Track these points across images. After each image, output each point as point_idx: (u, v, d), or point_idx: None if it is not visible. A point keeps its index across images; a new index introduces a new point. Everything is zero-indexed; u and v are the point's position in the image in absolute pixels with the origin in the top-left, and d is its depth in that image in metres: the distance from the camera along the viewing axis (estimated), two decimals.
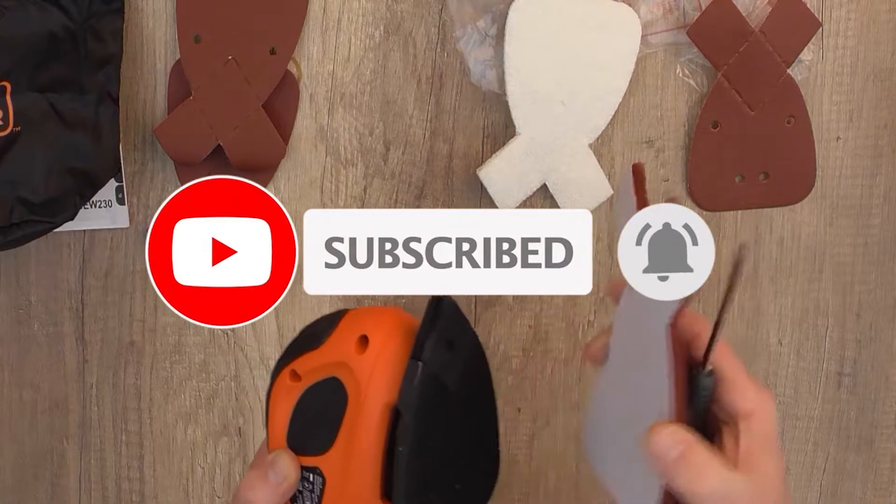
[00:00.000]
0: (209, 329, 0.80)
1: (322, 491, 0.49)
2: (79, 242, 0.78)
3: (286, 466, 0.50)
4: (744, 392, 0.49)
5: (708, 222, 0.82)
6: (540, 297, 0.82)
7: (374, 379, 0.47)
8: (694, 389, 0.48)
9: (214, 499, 0.83)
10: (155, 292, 0.79)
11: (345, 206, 0.79)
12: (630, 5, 0.76)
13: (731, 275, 0.45)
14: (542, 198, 0.80)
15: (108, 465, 0.82)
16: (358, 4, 0.76)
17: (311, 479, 0.50)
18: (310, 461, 0.50)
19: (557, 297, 0.83)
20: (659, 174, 0.82)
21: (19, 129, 0.68)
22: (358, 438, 0.47)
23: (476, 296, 0.82)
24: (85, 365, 0.80)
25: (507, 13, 0.75)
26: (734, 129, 0.81)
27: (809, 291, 0.86)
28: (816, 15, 0.79)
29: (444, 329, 0.47)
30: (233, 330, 0.80)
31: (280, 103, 0.76)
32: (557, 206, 0.80)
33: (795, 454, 0.88)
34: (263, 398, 0.81)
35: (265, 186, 0.78)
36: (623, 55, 0.77)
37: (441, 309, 0.48)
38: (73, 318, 0.79)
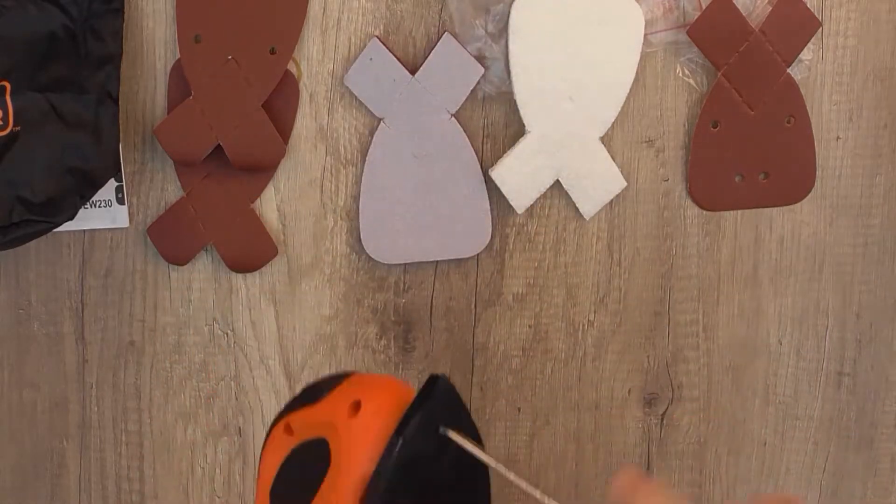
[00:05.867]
0: (209, 329, 0.80)
1: None
2: (79, 242, 0.78)
3: None
4: None
5: (708, 222, 0.83)
6: (540, 296, 0.82)
7: (357, 446, 0.45)
8: None
9: (214, 499, 0.83)
10: (155, 292, 0.79)
11: (345, 207, 0.79)
12: None
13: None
14: (557, 195, 0.80)
15: (108, 465, 0.82)
16: (358, 4, 0.76)
17: None
18: None
19: (557, 297, 0.83)
20: (659, 174, 0.82)
21: (19, 128, 0.68)
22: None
23: (476, 295, 0.82)
24: (85, 365, 0.80)
25: (507, 12, 0.75)
26: (734, 128, 0.81)
27: (809, 291, 0.86)
28: (816, 15, 0.79)
29: (434, 410, 0.44)
30: (232, 329, 0.80)
31: (280, 103, 0.76)
32: (572, 202, 0.80)
33: (795, 454, 0.88)
34: (263, 398, 0.81)
35: (265, 186, 0.78)
36: (628, 47, 0.77)
37: (435, 389, 0.45)
38: (72, 318, 0.79)
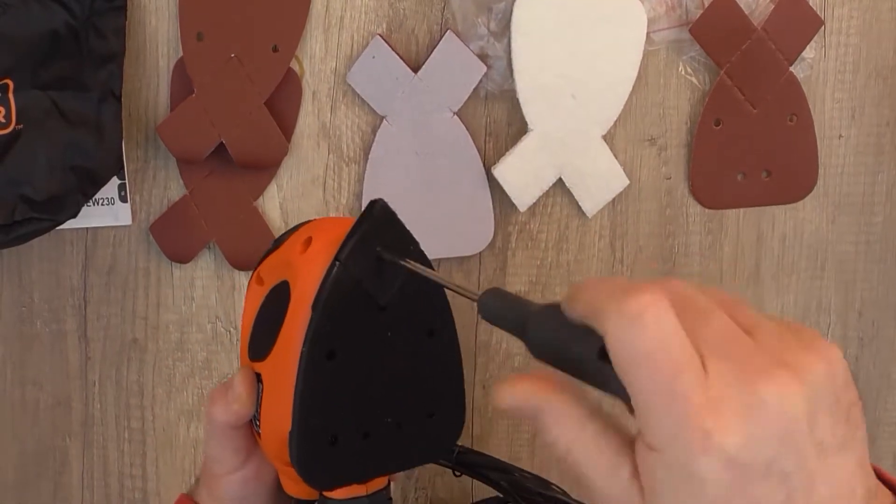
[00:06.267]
0: (212, 326, 0.80)
1: (260, 399, 0.48)
2: (81, 240, 0.78)
3: (239, 386, 0.48)
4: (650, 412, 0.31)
5: (710, 220, 0.83)
6: (542, 295, 0.82)
7: (307, 276, 0.45)
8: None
9: None
10: (157, 289, 0.80)
11: (347, 204, 0.79)
12: None
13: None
14: (560, 193, 0.80)
15: (111, 463, 0.82)
16: (360, 2, 0.76)
17: (259, 386, 0.48)
18: (256, 367, 0.48)
19: (560, 295, 0.82)
20: (661, 172, 0.82)
21: (22, 126, 0.68)
22: (285, 340, 0.46)
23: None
24: (87, 362, 0.80)
25: (508, 10, 0.75)
26: (736, 126, 0.81)
27: (811, 289, 0.86)
28: (818, 13, 0.80)
29: (369, 231, 0.44)
30: (235, 327, 0.80)
31: (282, 101, 0.76)
32: (574, 200, 0.80)
33: None
34: None
35: (268, 184, 0.78)
36: (630, 44, 0.77)
37: (371, 212, 0.44)
38: (75, 316, 0.79)
